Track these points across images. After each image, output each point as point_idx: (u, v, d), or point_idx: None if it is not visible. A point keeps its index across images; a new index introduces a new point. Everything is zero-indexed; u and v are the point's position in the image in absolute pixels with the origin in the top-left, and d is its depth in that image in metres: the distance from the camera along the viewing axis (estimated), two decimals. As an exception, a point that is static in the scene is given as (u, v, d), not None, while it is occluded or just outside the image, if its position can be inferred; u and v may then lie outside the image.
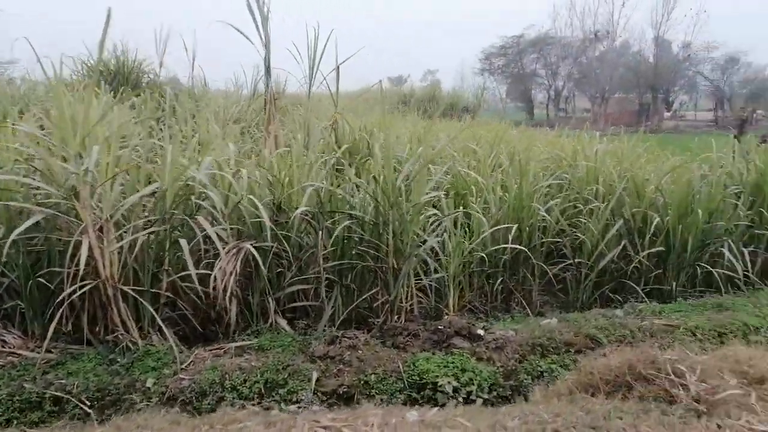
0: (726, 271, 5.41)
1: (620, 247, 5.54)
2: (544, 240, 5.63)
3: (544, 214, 5.30)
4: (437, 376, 3.88)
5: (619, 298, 5.52)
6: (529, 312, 5.29)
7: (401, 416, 2.51)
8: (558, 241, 5.75)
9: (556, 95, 47.66)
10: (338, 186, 5.08)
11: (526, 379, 3.93)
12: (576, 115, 45.69)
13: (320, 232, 4.53)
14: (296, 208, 4.49)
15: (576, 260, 5.59)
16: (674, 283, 5.44)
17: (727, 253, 5.26)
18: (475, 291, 5.54)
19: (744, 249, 5.57)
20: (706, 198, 5.57)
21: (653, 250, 5.49)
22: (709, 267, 5.35)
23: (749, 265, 5.47)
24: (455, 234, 4.97)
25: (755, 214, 5.89)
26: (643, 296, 5.40)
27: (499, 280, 5.44)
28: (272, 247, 4.51)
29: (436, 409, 2.85)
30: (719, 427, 2.09)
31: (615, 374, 2.52)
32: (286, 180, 4.59)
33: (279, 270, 4.67)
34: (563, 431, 2.03)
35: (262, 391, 3.79)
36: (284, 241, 4.44)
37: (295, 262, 4.73)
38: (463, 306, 5.38)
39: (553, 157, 7.44)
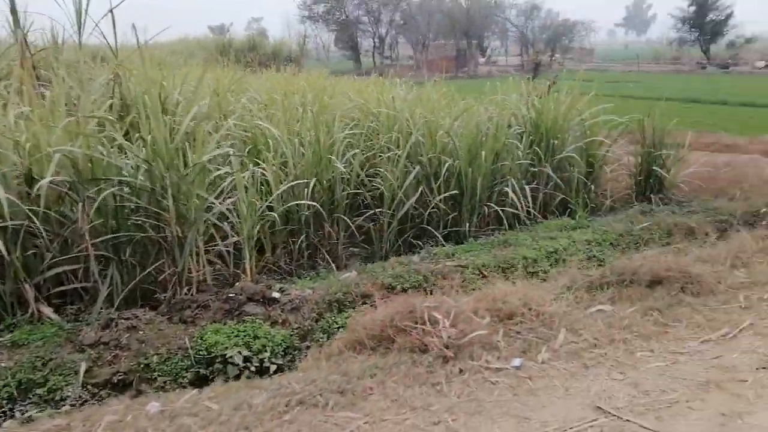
0: (511, 209, 5.81)
1: (418, 194, 5.67)
2: (347, 192, 5.55)
3: (339, 165, 5.18)
4: (226, 348, 3.64)
5: (421, 243, 5.69)
6: (334, 267, 5.22)
7: (140, 409, 2.23)
8: (359, 193, 5.72)
9: (380, 42, 48.25)
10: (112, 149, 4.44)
11: (321, 338, 3.86)
12: (400, 62, 46.85)
13: (80, 204, 3.92)
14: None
15: (378, 210, 5.61)
16: (467, 224, 5.73)
17: (510, 192, 5.63)
18: (279, 251, 5.33)
19: (527, 186, 6.02)
20: (492, 140, 5.87)
21: (448, 193, 5.70)
22: (494, 206, 5.70)
23: (530, 201, 5.93)
24: (246, 193, 4.64)
25: (534, 153, 6.38)
26: (441, 240, 5.62)
27: (302, 237, 5.28)
28: (23, 225, 3.82)
29: (194, 391, 2.60)
30: (461, 371, 2.14)
31: (380, 328, 2.49)
32: (28, 145, 3.86)
33: (34, 251, 3.99)
34: (309, 400, 1.92)
35: (14, 395, 3.25)
36: (33, 217, 3.77)
37: (57, 239, 4.08)
38: (266, 268, 5.15)
39: (359, 106, 7.36)
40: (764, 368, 2.53)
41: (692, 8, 41.30)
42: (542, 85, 8.81)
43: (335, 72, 28.04)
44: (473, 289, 4.47)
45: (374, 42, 49.18)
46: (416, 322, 2.40)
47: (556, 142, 6.47)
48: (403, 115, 6.16)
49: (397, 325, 2.41)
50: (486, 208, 5.87)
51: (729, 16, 40.99)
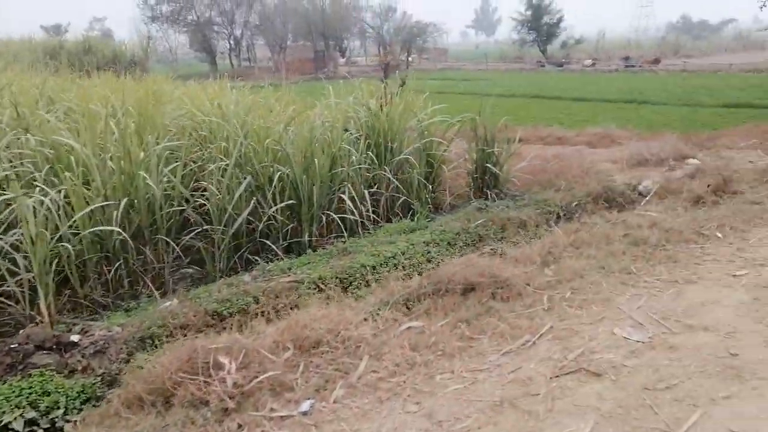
0: (352, 216, 5.65)
1: (251, 206, 5.31)
2: (169, 210, 5.03)
3: (150, 182, 4.66)
4: (4, 413, 3.04)
5: (259, 259, 5.33)
6: (158, 295, 4.69)
7: None
8: (185, 209, 5.23)
9: (236, 45, 46.58)
10: None
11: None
12: (259, 64, 45.63)
13: None
14: None
15: (206, 227, 5.17)
16: (307, 235, 5.48)
17: (346, 199, 5.46)
18: (92, 282, 4.68)
19: (366, 191, 5.89)
20: (327, 145, 5.68)
21: (284, 204, 5.40)
22: (332, 214, 5.50)
23: (371, 205, 5.81)
24: (35, 220, 3.98)
25: (374, 157, 6.29)
26: (280, 253, 5.31)
27: (118, 264, 4.69)
28: None
29: None
30: (239, 426, 1.87)
31: (161, 380, 2.13)
32: None
33: None
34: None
35: None
36: None
37: None
38: (78, 304, 4.50)
39: (189, 114, 6.80)
40: (557, 377, 2.56)
41: (529, 12, 44.86)
42: (393, 85, 8.85)
43: (184, 76, 26.47)
44: (309, 305, 4.24)
45: (230, 44, 47.42)
46: (197, 372, 2.08)
47: (394, 144, 6.44)
48: (231, 122, 5.75)
49: (178, 375, 2.08)
50: (326, 216, 5.66)
51: (560, 19, 45.13)
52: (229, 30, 45.78)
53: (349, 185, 5.65)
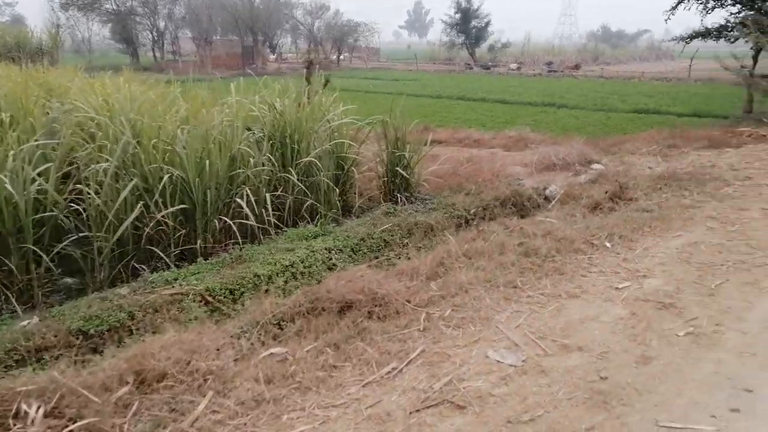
0: (252, 221, 5.33)
1: (138, 211, 4.88)
2: (37, 216, 4.54)
3: (8, 186, 4.17)
4: None
5: (147, 267, 4.92)
6: (20, 311, 4.20)
7: None
8: (54, 214, 4.74)
9: (159, 36, 44.52)
10: None
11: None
12: (185, 58, 43.85)
13: None
14: None
15: (84, 233, 4.71)
16: (200, 241, 5.12)
17: (242, 203, 5.14)
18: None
19: (268, 195, 5.59)
20: (225, 145, 5.33)
21: (175, 208, 5.01)
22: (226, 219, 5.17)
23: (272, 210, 5.51)
24: None
25: (278, 158, 6.00)
26: (169, 261, 4.92)
27: (-25, 278, 4.16)
28: None
29: None
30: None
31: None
32: None
33: None
34: None
35: None
36: None
37: None
38: None
39: (76, 110, 6.23)
40: (418, 411, 2.40)
41: (458, 15, 45.61)
42: (315, 84, 8.54)
43: (99, 68, 24.91)
44: (192, 320, 3.91)
45: (153, 36, 45.29)
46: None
47: (301, 145, 6.17)
48: (119, 120, 5.28)
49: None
50: (223, 221, 5.31)
51: (488, 23, 46.18)
52: (152, 21, 43.71)
53: (248, 188, 5.32)
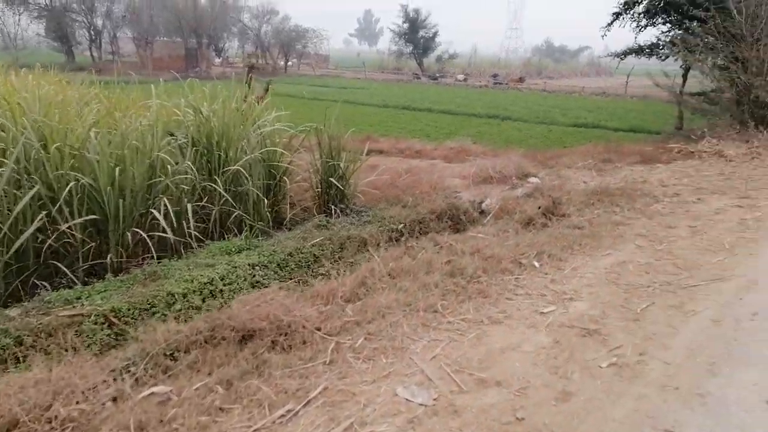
0: (167, 233, 4.96)
1: (39, 221, 4.44)
2: None
3: None
4: None
5: (50, 284, 4.47)
6: None
7: None
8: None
9: (96, 35, 42.64)
10: None
11: None
12: (125, 59, 42.21)
13: None
14: None
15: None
16: (110, 255, 4.71)
17: (157, 215, 4.77)
18: None
19: (189, 205, 5.23)
20: (143, 151, 4.95)
21: (83, 219, 4.59)
22: (140, 232, 4.79)
23: (192, 222, 5.16)
24: None
25: (203, 167, 5.66)
26: (73, 278, 4.50)
27: None
28: None
29: None
30: None
31: None
32: None
33: None
34: None
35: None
36: None
37: None
38: None
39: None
40: None
41: (406, 25, 46.00)
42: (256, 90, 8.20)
43: (27, 65, 23.47)
44: (92, 345, 3.54)
45: (90, 34, 43.32)
46: None
47: (229, 153, 5.85)
48: (16, 121, 4.82)
49: None
50: (138, 234, 4.92)
51: (435, 33, 46.76)
52: (89, 18, 41.84)
53: (167, 199, 4.95)
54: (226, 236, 5.70)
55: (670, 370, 3.04)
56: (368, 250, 5.45)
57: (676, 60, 12.47)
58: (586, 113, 22.24)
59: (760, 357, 3.21)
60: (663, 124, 16.87)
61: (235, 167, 5.80)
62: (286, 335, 2.88)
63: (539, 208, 5.27)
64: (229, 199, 5.60)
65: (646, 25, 12.97)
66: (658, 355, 3.19)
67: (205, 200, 5.64)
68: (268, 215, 6.06)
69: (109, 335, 3.69)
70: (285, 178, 6.37)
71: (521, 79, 41.30)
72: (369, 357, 2.88)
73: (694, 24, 11.50)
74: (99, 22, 42.42)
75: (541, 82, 40.11)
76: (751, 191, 6.94)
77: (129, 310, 3.92)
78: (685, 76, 13.97)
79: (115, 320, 3.81)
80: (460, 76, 42.75)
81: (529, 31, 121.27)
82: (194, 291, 4.28)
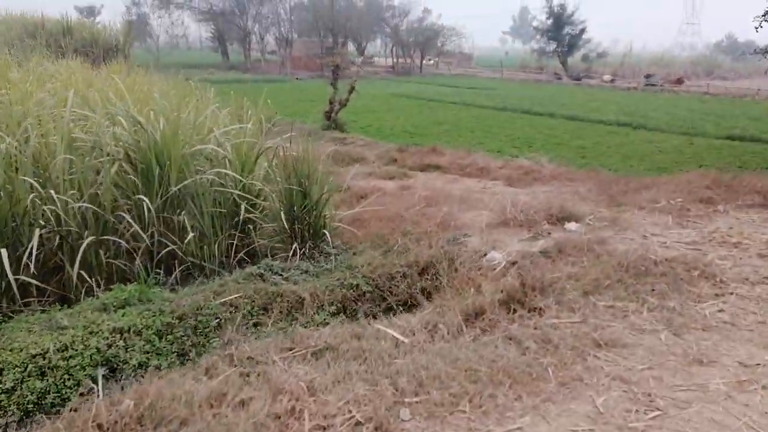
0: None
1: None
2: None
3: None
4: None
5: None
6: None
7: None
8: None
9: (245, 36, 45.18)
10: None
11: None
12: (267, 58, 44.34)
13: None
14: None
15: None
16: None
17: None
18: None
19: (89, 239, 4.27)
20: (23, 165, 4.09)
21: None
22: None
23: (95, 259, 4.20)
24: None
25: (132, 188, 4.68)
26: None
27: None
28: None
29: None
30: None
31: None
32: None
33: None
34: None
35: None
36: None
37: None
38: None
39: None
40: None
41: (549, 21, 42.52)
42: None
43: (170, 66, 25.17)
44: None
45: (246, 36, 45.83)
46: None
47: (171, 173, 4.82)
48: None
49: None
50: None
51: (583, 30, 42.62)
52: (242, 21, 44.50)
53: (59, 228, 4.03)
54: (149, 276, 4.66)
55: None
56: (305, 314, 4.09)
57: None
58: (749, 122, 18.20)
59: None
60: None
61: (174, 190, 4.77)
62: None
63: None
64: (164, 230, 4.56)
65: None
66: None
67: (123, 231, 4.65)
68: (218, 251, 4.94)
69: None
70: (241, 204, 5.15)
71: (679, 80, 36.01)
72: None
73: None
74: (249, 23, 44.92)
75: (704, 84, 34.55)
76: None
77: None
78: None
79: None
80: (607, 77, 38.48)
81: (708, 26, 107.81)
82: (15, 366, 3.27)
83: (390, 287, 4.42)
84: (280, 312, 4.07)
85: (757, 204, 5.23)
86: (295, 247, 4.90)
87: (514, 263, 4.30)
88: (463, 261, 4.51)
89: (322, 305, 4.18)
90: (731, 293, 3.29)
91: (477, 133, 15.42)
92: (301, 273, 4.61)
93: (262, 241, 5.06)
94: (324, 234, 5.08)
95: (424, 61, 47.87)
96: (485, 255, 4.47)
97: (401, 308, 4.32)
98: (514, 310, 3.18)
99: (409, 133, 15.14)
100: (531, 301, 3.23)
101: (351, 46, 56.35)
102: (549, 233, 4.68)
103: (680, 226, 4.66)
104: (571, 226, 4.73)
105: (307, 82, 33.23)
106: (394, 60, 47.02)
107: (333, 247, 5.07)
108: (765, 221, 4.79)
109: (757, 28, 10.97)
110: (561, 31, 41.96)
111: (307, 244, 5.01)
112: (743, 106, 24.36)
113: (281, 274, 4.53)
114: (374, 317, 4.19)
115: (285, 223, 4.98)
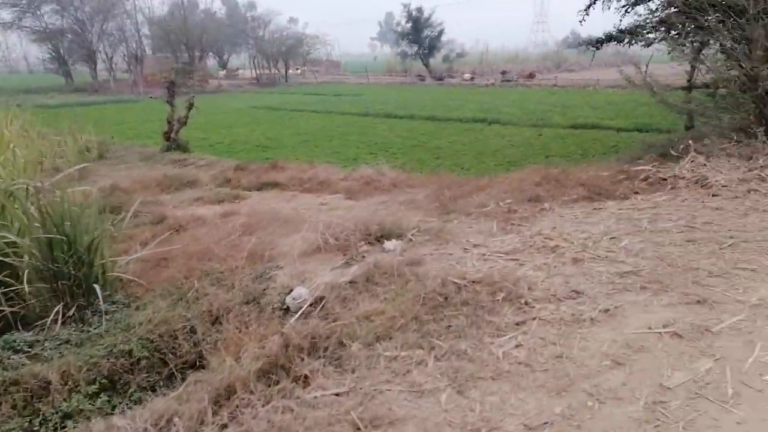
0: None
1: None
2: None
3: None
4: None
5: None
6: None
7: None
8: None
9: (89, 56, 41.31)
10: None
11: None
12: (117, 77, 40.95)
13: None
14: None
15: None
16: None
17: None
18: None
19: None
20: None
21: None
22: None
23: None
24: None
25: None
26: None
27: None
28: None
29: None
30: None
31: None
32: None
33: None
34: None
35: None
36: None
37: None
38: None
39: None
40: None
41: (409, 24, 43.35)
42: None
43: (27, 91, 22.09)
44: None
45: (92, 56, 41.79)
46: None
47: None
48: None
49: None
50: None
51: (441, 32, 43.94)
52: (83, 40, 40.68)
53: None
54: None
55: None
56: (49, 403, 3.15)
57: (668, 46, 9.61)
58: (591, 111, 19.38)
59: None
60: (677, 120, 13.97)
61: None
62: None
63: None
64: None
65: (635, 3, 10.13)
66: None
67: None
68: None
69: None
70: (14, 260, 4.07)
71: (531, 75, 38.27)
72: None
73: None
74: (95, 41, 41.13)
75: (552, 77, 36.93)
76: (717, 279, 3.42)
77: None
78: (693, 65, 11.09)
79: None
80: (467, 76, 39.97)
81: (556, 24, 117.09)
82: None
83: (173, 347, 3.59)
84: (13, 407, 3.10)
85: (581, 197, 5.06)
86: (58, 311, 3.91)
87: (321, 299, 3.66)
88: (270, 301, 3.81)
89: (77, 386, 3.27)
90: (534, 318, 2.82)
91: (335, 142, 14.89)
92: (60, 344, 3.65)
93: (12, 309, 3.99)
94: (98, 285, 4.13)
95: (290, 71, 46.86)
96: (290, 292, 3.79)
97: (189, 371, 3.53)
98: (276, 382, 2.49)
99: (262, 147, 14.26)
100: (297, 366, 2.57)
101: (212, 60, 53.99)
102: (363, 256, 4.10)
103: (504, 232, 4.29)
104: (390, 245, 4.20)
105: (162, 101, 30.99)
106: (258, 71, 45.54)
107: (114, 303, 4.15)
108: (587, 216, 4.58)
109: (581, 21, 11.40)
110: (420, 34, 42.89)
111: (76, 304, 4.04)
112: (586, 96, 26.16)
113: (29, 350, 3.55)
114: (152, 389, 3.40)
115: (43, 282, 3.97)
